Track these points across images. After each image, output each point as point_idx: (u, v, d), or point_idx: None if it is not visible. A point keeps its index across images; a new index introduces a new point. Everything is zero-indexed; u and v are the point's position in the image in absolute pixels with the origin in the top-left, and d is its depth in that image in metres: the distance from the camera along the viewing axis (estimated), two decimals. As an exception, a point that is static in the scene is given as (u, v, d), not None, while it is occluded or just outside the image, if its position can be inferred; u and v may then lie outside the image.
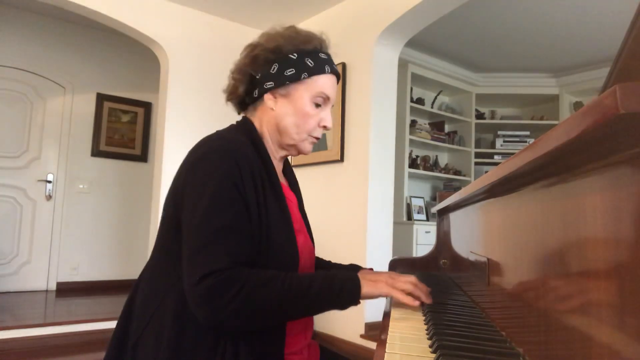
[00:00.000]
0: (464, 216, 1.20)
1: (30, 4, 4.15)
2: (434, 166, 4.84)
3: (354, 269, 1.18)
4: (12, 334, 2.84)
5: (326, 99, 1.03)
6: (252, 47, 1.03)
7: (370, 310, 2.96)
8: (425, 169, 4.66)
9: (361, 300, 0.90)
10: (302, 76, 0.99)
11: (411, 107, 4.45)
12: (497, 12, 3.65)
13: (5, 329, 2.83)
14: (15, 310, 3.45)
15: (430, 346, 0.68)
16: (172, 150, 3.45)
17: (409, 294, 0.91)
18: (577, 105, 4.93)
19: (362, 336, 2.95)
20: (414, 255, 3.86)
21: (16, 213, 4.27)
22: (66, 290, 4.39)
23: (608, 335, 0.39)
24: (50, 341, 2.93)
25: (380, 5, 3.10)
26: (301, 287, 0.85)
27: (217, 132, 0.98)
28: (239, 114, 1.11)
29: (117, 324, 0.96)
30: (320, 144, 3.44)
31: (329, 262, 1.26)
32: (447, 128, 5.00)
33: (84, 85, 4.65)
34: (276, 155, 1.06)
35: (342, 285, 0.87)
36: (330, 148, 3.35)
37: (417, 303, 0.90)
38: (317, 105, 1.02)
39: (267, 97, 1.01)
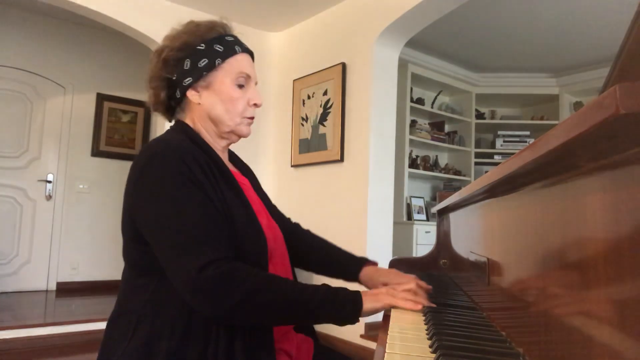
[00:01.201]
0: (464, 216, 1.20)
1: (30, 4, 4.15)
2: (434, 166, 4.84)
3: (361, 260, 1.18)
4: (12, 334, 2.84)
5: (247, 77, 1.04)
6: (159, 52, 1.03)
7: (370, 310, 2.96)
8: (425, 169, 4.66)
9: (360, 318, 0.90)
10: (217, 62, 1.00)
11: (411, 107, 4.45)
12: (497, 12, 3.65)
13: (5, 329, 2.83)
14: (15, 310, 3.46)
15: (430, 346, 0.67)
16: (172, 150, 3.44)
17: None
18: (577, 105, 4.93)
19: (362, 336, 2.95)
20: (414, 255, 3.86)
21: (16, 213, 4.27)
22: (66, 290, 4.39)
23: (608, 335, 0.39)
24: (50, 341, 2.93)
25: (380, 5, 3.10)
26: (306, 290, 0.85)
27: (154, 139, 0.98)
28: (169, 121, 1.10)
29: (105, 332, 0.96)
30: (320, 144, 3.44)
31: (340, 248, 1.23)
32: (447, 128, 5.00)
33: (84, 85, 4.65)
34: (218, 147, 1.06)
35: (346, 298, 0.87)
36: (330, 148, 3.35)
37: (419, 307, 0.90)
38: (240, 87, 1.03)
39: (190, 93, 1.02)
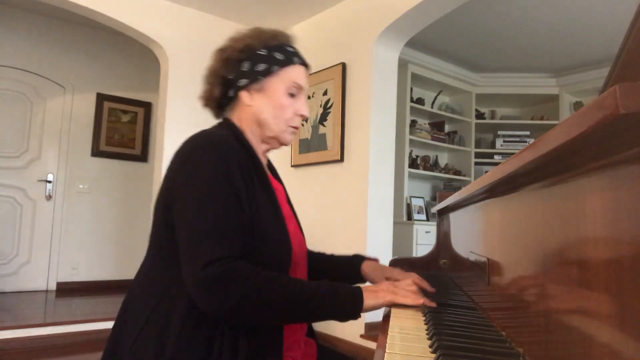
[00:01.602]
0: (464, 216, 1.20)
1: (30, 4, 4.15)
2: (434, 166, 4.84)
3: (358, 258, 1.21)
4: (12, 334, 2.84)
5: (299, 88, 1.07)
6: (222, 51, 1.07)
7: (370, 310, 2.96)
8: (425, 169, 4.66)
9: (362, 314, 0.90)
10: (274, 69, 1.03)
11: (411, 107, 4.45)
12: (497, 12, 3.65)
13: (5, 329, 2.83)
14: (15, 310, 3.46)
15: (430, 346, 0.68)
16: (172, 150, 3.43)
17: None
18: (577, 105, 4.93)
19: (362, 336, 2.95)
20: (414, 255, 3.86)
21: (16, 213, 4.27)
22: (66, 290, 4.39)
23: (608, 335, 0.39)
24: (50, 341, 2.93)
25: (380, 5, 3.10)
26: (307, 290, 0.86)
27: (201, 131, 1.00)
28: (217, 118, 1.14)
29: (114, 325, 0.96)
30: (320, 143, 3.44)
31: (332, 255, 1.27)
32: (447, 128, 5.00)
33: (84, 85, 4.65)
34: (259, 150, 1.08)
35: (347, 296, 0.88)
36: (330, 148, 3.35)
37: (420, 301, 0.91)
38: (292, 96, 1.06)
39: (243, 94, 1.05)
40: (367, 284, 1.08)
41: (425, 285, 1.05)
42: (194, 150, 0.92)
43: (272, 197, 0.99)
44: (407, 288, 0.94)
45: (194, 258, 0.83)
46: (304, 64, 1.10)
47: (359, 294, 0.89)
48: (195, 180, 0.89)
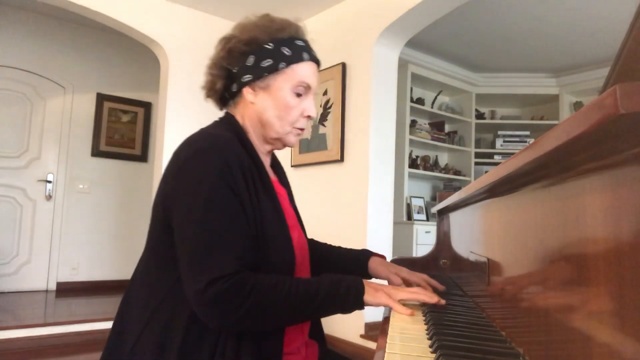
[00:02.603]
0: (464, 216, 1.20)
1: (30, 4, 4.15)
2: (434, 166, 4.84)
3: (365, 254, 1.19)
4: (12, 334, 2.83)
5: (307, 87, 0.99)
6: (226, 40, 1.00)
7: (370, 310, 2.96)
8: (425, 169, 4.66)
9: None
10: (280, 66, 0.96)
11: (411, 107, 4.45)
12: (497, 12, 3.65)
13: (5, 329, 2.83)
14: (15, 310, 3.45)
15: (430, 346, 0.68)
16: (172, 150, 3.44)
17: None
18: (577, 105, 4.92)
19: (362, 336, 2.95)
20: (414, 255, 3.86)
21: (16, 213, 4.27)
22: (66, 290, 4.39)
23: (608, 335, 0.39)
24: (50, 341, 2.93)
25: (380, 5, 3.10)
26: (309, 292, 0.85)
27: (202, 129, 0.94)
28: (220, 109, 1.07)
29: (112, 328, 0.95)
30: (320, 143, 3.44)
31: (339, 248, 1.24)
32: (447, 128, 5.00)
33: (84, 85, 4.65)
34: (262, 150, 1.03)
35: (348, 291, 0.87)
36: (330, 148, 3.35)
37: (409, 313, 0.89)
38: (299, 95, 0.99)
39: (246, 90, 0.98)
40: (374, 280, 1.07)
41: (435, 283, 1.05)
42: (196, 153, 0.87)
43: (275, 203, 0.95)
44: (405, 296, 0.92)
45: (196, 275, 0.80)
46: (314, 59, 1.01)
47: (360, 287, 0.88)
48: (198, 188, 0.84)
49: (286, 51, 0.97)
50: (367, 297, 0.88)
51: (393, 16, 3.00)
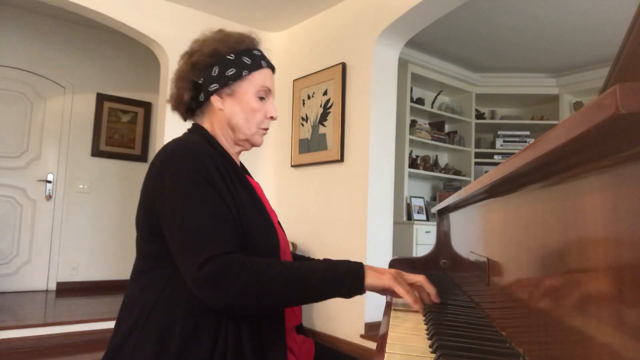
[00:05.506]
0: (464, 216, 1.20)
1: (30, 4, 4.15)
2: (434, 166, 4.84)
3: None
4: (12, 334, 2.84)
5: (267, 91, 1.10)
6: (189, 55, 1.08)
7: (370, 310, 2.96)
8: (425, 169, 4.66)
9: (366, 291, 0.91)
10: (243, 73, 1.06)
11: (411, 107, 4.45)
12: (497, 12, 3.65)
13: (5, 329, 2.83)
14: (15, 310, 3.45)
15: (430, 346, 0.68)
16: (172, 150, 3.45)
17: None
18: (577, 105, 4.93)
19: (362, 336, 2.95)
20: (414, 255, 3.86)
21: (16, 213, 4.27)
22: (66, 290, 4.39)
23: (608, 335, 0.39)
24: (50, 341, 2.93)
25: (380, 5, 3.10)
26: (305, 269, 0.88)
27: (174, 139, 1.03)
28: (185, 121, 1.17)
29: (114, 331, 0.97)
30: (320, 144, 3.44)
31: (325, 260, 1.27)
32: (447, 128, 5.00)
33: (84, 85, 4.65)
34: (232, 152, 1.12)
35: (347, 270, 0.89)
36: (330, 148, 3.35)
37: (419, 305, 0.89)
38: (261, 99, 1.09)
39: (214, 98, 1.07)
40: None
41: (431, 289, 1.00)
42: (169, 157, 0.95)
43: (253, 195, 1.02)
44: (413, 280, 0.93)
45: (190, 260, 0.86)
46: (270, 66, 1.13)
47: (359, 267, 0.90)
48: (177, 187, 0.91)
49: (247, 60, 1.07)
50: (370, 279, 0.89)
51: (393, 16, 3.00)
